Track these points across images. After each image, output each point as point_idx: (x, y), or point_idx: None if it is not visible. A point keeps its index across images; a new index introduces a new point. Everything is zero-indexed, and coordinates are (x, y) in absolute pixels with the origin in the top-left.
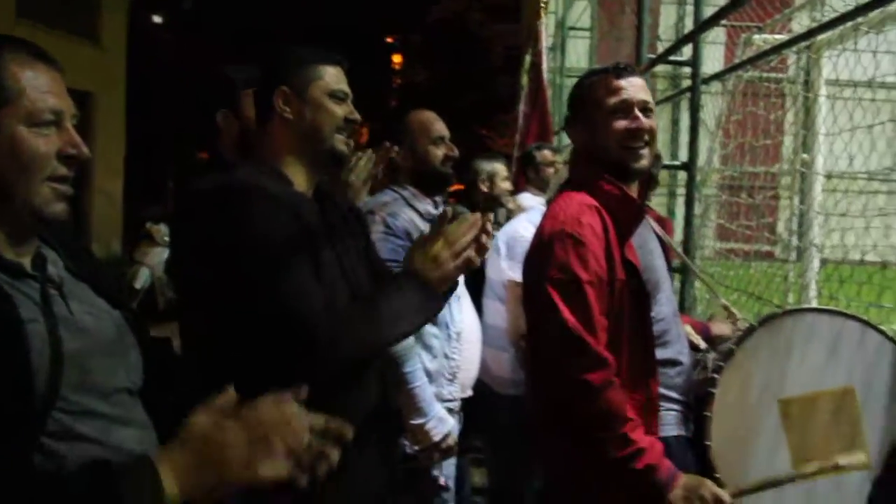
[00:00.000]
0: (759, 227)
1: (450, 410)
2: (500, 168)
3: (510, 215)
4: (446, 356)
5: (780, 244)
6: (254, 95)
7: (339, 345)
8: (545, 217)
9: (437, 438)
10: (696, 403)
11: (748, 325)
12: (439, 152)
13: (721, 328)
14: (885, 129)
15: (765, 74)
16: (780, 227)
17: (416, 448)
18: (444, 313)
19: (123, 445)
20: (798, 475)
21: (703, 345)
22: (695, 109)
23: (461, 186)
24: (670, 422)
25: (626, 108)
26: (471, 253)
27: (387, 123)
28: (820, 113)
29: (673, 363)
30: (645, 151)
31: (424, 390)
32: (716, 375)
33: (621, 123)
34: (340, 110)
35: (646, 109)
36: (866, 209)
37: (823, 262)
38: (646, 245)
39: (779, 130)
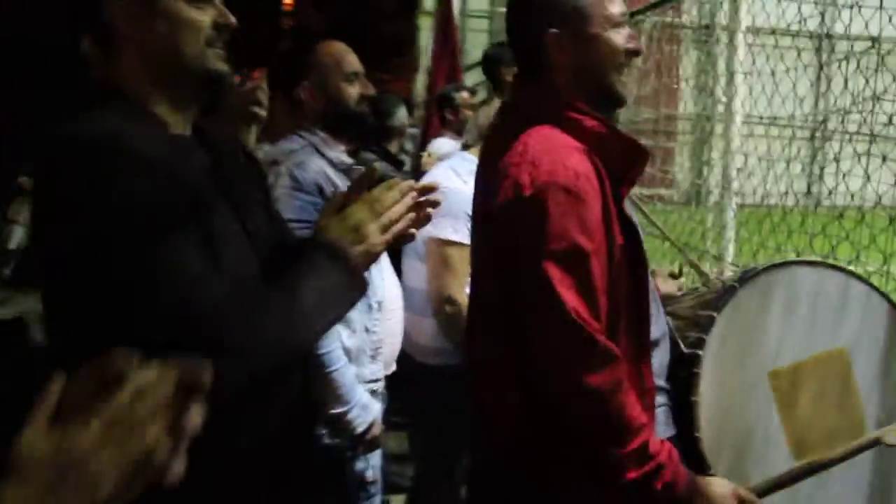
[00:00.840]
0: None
1: (373, 393)
2: (402, 113)
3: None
4: (367, 330)
5: (676, 189)
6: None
7: (250, 352)
8: (515, 163)
9: (360, 429)
10: (675, 387)
11: (726, 286)
12: (353, 90)
13: (667, 286)
14: (792, 76)
15: (666, 19)
16: (677, 171)
17: (337, 440)
18: None
19: None
20: (827, 459)
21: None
22: None
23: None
24: (661, 420)
25: (624, 22)
26: (401, 226)
27: (281, 64)
28: (736, 57)
29: (654, 343)
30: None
31: (344, 374)
32: (698, 352)
33: (623, 40)
34: (205, 15)
35: None
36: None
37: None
38: None
39: (672, 76)
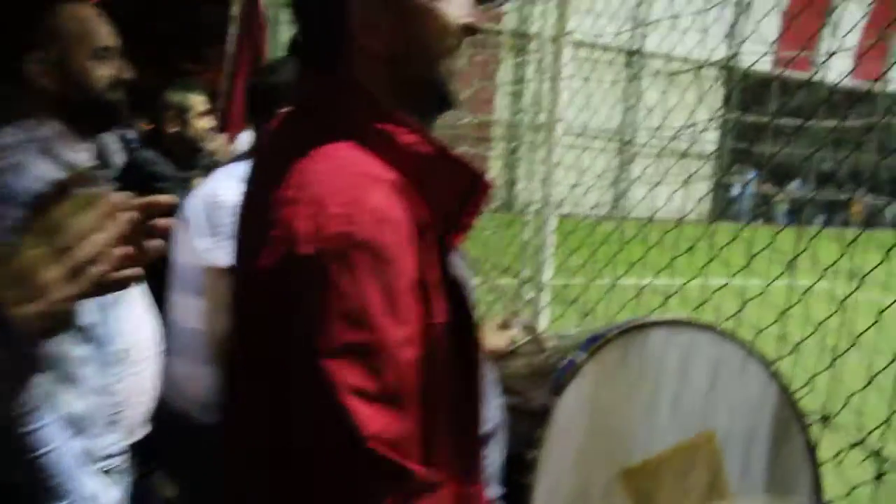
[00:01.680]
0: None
1: (108, 472)
2: (196, 100)
3: (216, 165)
4: (103, 391)
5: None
6: None
7: None
8: (290, 199)
9: None
10: (511, 494)
11: (567, 359)
12: (104, 71)
13: (496, 339)
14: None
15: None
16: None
17: None
18: (96, 322)
19: None
20: None
21: None
22: None
23: (150, 126)
24: None
25: None
26: (101, 268)
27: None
28: (564, 67)
29: (487, 438)
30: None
31: (62, 456)
32: (533, 453)
33: (458, 10)
34: None
35: None
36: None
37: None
38: None
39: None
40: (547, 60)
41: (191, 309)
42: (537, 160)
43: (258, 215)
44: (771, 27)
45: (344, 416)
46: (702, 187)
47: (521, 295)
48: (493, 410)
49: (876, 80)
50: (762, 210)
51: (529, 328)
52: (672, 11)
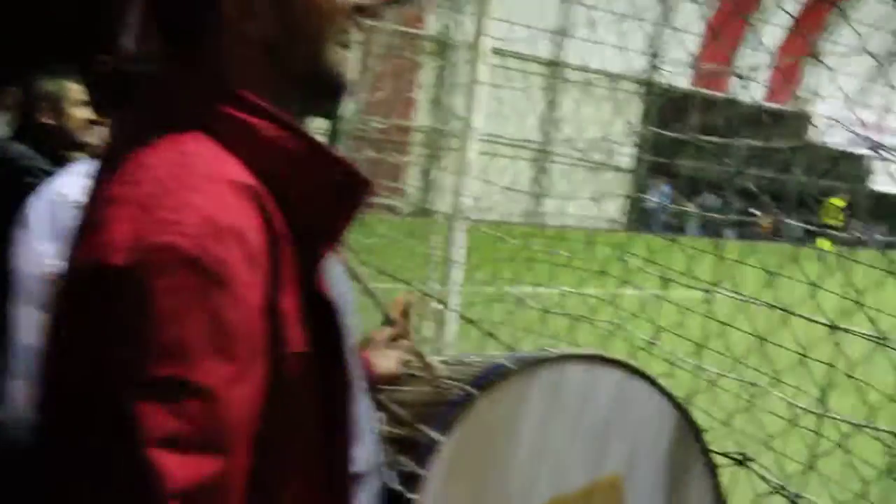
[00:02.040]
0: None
1: None
2: (73, 89)
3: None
4: None
5: (404, 200)
6: None
7: None
8: (114, 198)
9: None
10: None
11: (460, 392)
12: None
13: (385, 362)
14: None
15: (406, 30)
16: (408, 185)
17: None
18: None
19: None
20: None
21: None
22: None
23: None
24: None
25: None
26: None
27: None
28: (478, 74)
29: (358, 479)
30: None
31: None
32: (411, 497)
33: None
34: None
35: None
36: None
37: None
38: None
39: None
40: (464, 67)
41: (35, 324)
42: (451, 167)
43: (85, 216)
44: (691, 44)
45: (145, 466)
46: (618, 199)
47: (426, 310)
48: (368, 447)
49: (787, 100)
50: (676, 223)
51: (417, 353)
52: (592, 24)
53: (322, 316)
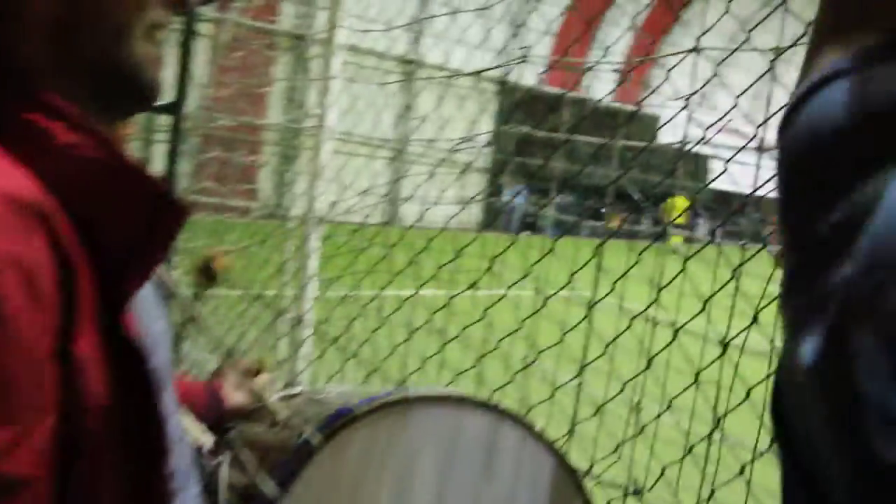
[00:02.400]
0: (241, 184)
1: None
2: None
3: None
4: None
5: (259, 201)
6: None
7: None
8: None
9: None
10: None
11: (301, 443)
12: None
13: (237, 395)
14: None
15: (258, 24)
16: (261, 184)
17: None
18: None
19: None
20: None
21: (208, 443)
22: (189, 34)
23: None
24: None
25: None
26: None
27: None
28: (331, 71)
29: None
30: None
31: None
32: None
33: None
34: None
35: None
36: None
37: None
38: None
39: (262, 81)
40: (317, 64)
41: None
42: (304, 167)
43: None
44: (543, 46)
45: None
46: (474, 198)
47: (278, 326)
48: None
49: (636, 103)
50: (530, 221)
51: (256, 394)
52: (449, 24)
53: (130, 361)
